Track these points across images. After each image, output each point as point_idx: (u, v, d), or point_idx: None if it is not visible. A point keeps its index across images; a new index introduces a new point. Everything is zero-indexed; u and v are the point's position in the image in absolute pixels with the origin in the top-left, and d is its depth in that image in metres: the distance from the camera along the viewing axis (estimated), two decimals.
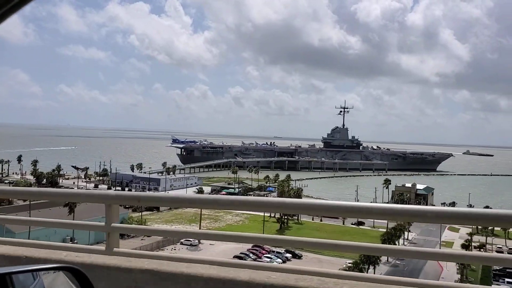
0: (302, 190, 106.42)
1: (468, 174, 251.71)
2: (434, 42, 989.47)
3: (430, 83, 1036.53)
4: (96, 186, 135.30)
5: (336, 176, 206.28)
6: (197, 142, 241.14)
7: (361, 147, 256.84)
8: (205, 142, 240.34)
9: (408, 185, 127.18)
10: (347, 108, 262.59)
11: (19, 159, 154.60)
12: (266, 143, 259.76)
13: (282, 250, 73.07)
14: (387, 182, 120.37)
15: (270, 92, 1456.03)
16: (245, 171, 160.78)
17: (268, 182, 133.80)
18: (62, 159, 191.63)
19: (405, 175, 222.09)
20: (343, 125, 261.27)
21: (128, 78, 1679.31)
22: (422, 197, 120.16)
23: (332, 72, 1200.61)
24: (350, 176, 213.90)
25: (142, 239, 77.99)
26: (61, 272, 2.75)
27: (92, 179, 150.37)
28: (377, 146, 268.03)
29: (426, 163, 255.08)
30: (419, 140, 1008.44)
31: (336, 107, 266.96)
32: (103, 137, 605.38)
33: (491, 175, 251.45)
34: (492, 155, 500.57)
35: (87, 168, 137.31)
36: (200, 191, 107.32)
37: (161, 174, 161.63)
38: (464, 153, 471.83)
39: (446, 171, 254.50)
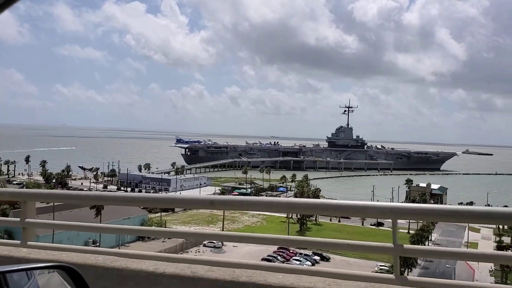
0: (320, 190, 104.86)
1: (473, 174, 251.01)
2: (430, 41, 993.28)
3: (426, 82, 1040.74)
4: (105, 187, 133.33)
5: (342, 176, 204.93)
6: (201, 142, 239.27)
7: (365, 146, 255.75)
8: (210, 142, 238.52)
9: (423, 185, 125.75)
10: (351, 108, 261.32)
11: (27, 160, 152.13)
12: (270, 142, 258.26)
13: (309, 252, 71.47)
14: (409, 182, 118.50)
15: (266, 91, 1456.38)
16: (254, 171, 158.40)
17: (284, 183, 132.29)
18: (64, 160, 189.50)
19: (410, 174, 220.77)
20: (348, 124, 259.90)
21: (124, 77, 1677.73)
22: (439, 197, 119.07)
23: (329, 71, 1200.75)
24: (356, 176, 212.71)
25: (163, 241, 76.38)
26: (55, 272, 2.74)
27: (100, 179, 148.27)
28: (381, 146, 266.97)
29: (431, 162, 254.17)
30: (415, 139, 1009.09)
31: (340, 106, 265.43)
32: (100, 137, 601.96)
33: (496, 174, 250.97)
34: (491, 154, 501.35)
35: (97, 169, 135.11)
36: (223, 193, 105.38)
37: (167, 174, 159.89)
38: (463, 152, 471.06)
39: (450, 170, 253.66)
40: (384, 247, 3.86)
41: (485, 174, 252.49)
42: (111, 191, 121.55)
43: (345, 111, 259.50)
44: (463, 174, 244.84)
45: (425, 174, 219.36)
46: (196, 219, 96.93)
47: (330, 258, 71.39)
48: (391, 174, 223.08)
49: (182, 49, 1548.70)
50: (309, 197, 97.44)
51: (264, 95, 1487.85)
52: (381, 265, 66.32)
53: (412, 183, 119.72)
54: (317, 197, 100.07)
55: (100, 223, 62.82)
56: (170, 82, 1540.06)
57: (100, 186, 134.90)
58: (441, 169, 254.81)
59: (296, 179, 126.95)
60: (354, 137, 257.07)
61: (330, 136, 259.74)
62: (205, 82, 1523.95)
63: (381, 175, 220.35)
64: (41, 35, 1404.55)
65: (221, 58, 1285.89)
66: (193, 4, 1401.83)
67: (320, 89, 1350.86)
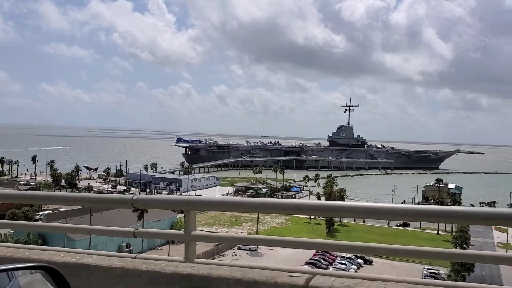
0: (345, 190, 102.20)
1: (472, 172, 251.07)
2: (417, 41, 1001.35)
3: (413, 82, 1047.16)
4: (114, 187, 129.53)
5: (347, 175, 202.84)
6: (202, 141, 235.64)
7: (366, 146, 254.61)
8: (211, 141, 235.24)
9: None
10: (352, 107, 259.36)
11: (34, 160, 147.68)
12: (271, 142, 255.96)
13: (352, 255, 68.78)
14: (439, 181, 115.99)
15: (254, 90, 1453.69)
16: (266, 171, 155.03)
17: (307, 182, 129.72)
18: (61, 159, 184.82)
19: (412, 173, 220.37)
20: (348, 123, 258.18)
21: (111, 76, 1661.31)
22: (458, 196, 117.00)
23: (317, 71, 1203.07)
24: (360, 175, 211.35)
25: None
26: (38, 273, 2.75)
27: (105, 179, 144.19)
28: (381, 145, 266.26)
29: (430, 161, 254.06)
30: (403, 138, 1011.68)
31: (341, 105, 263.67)
32: (89, 137, 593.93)
33: (496, 172, 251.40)
34: (482, 153, 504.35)
35: (108, 169, 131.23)
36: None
37: (172, 174, 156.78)
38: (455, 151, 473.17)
39: (449, 169, 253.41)
40: (176, 234, 4.44)
41: (484, 173, 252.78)
42: (121, 191, 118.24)
43: (345, 110, 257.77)
44: (462, 173, 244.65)
45: (426, 173, 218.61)
46: (219, 220, 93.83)
47: (372, 261, 69.06)
48: (393, 173, 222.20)
49: (169, 47, 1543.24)
50: (335, 199, 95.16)
51: (253, 94, 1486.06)
52: (429, 268, 64.12)
53: (442, 182, 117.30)
54: (342, 198, 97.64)
55: (142, 226, 59.21)
56: (157, 81, 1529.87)
57: (109, 186, 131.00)
58: (439, 168, 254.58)
59: (318, 178, 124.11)
60: (355, 136, 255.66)
61: (331, 135, 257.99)
62: (192, 81, 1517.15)
63: (383, 174, 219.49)
64: (26, 33, 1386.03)
65: (208, 56, 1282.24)
66: (180, 2, 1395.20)
67: (308, 89, 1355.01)
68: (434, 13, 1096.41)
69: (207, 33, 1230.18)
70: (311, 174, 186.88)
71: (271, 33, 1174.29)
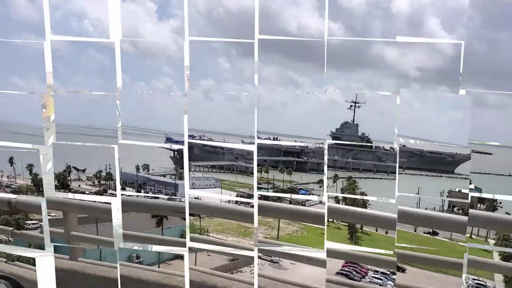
0: (366, 194, 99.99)
1: (484, 173, 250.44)
2: (419, 32, 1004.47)
3: (410, 77, 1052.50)
4: (105, 191, 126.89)
5: (354, 177, 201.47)
6: (195, 136, 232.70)
7: (373, 146, 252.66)
8: (205, 138, 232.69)
9: (465, 190, 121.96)
10: (358, 103, 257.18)
11: (11, 161, 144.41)
12: (269, 137, 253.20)
13: (386, 270, 66.51)
14: (477, 189, 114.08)
15: (242, 87, 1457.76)
16: (272, 171, 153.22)
17: (321, 187, 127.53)
18: (35, 160, 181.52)
19: (426, 175, 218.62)
20: (353, 120, 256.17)
21: (87, 70, 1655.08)
22: (496, 203, 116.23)
23: (311, 63, 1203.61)
24: (367, 178, 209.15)
25: (208, 255, 70.86)
26: (1, 284, 3.08)
27: (92, 182, 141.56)
28: (390, 147, 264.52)
29: (444, 164, 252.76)
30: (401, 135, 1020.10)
31: (346, 101, 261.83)
32: (63, 133, 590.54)
33: (510, 175, 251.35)
34: (491, 154, 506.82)
35: (100, 172, 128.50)
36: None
37: (163, 177, 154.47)
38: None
39: (465, 174, 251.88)
40: (56, 233, 4.66)
41: (496, 174, 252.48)
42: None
43: (351, 106, 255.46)
44: (473, 172, 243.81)
45: (442, 176, 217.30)
46: (227, 229, 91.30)
47: (405, 269, 66.74)
48: (405, 174, 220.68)
49: (150, 37, 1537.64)
50: (359, 205, 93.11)
51: (241, 89, 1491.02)
52: (473, 279, 62.00)
53: (474, 190, 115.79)
54: (365, 205, 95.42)
55: (162, 234, 56.23)
56: (138, 74, 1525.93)
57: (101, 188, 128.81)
58: (455, 172, 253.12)
59: (337, 179, 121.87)
60: (360, 134, 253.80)
61: (334, 131, 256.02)
62: (174, 76, 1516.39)
63: (392, 179, 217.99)
64: None
65: (193, 48, 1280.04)
66: None
67: (301, 84, 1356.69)
68: (439, 2, 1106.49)
69: (192, 22, 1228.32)
70: (316, 176, 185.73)
71: (262, 22, 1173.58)
